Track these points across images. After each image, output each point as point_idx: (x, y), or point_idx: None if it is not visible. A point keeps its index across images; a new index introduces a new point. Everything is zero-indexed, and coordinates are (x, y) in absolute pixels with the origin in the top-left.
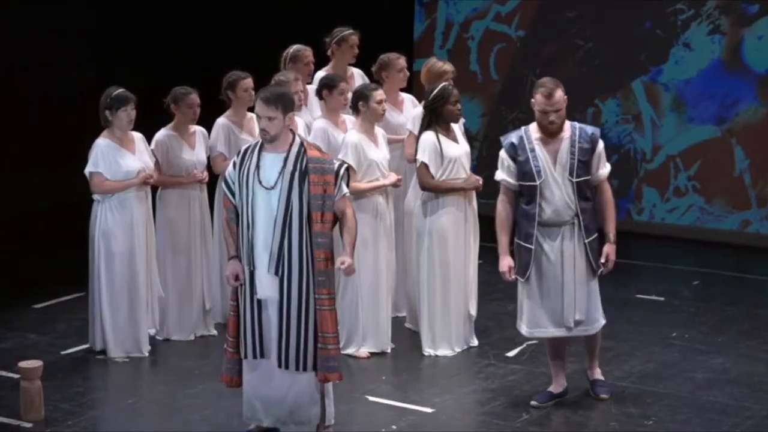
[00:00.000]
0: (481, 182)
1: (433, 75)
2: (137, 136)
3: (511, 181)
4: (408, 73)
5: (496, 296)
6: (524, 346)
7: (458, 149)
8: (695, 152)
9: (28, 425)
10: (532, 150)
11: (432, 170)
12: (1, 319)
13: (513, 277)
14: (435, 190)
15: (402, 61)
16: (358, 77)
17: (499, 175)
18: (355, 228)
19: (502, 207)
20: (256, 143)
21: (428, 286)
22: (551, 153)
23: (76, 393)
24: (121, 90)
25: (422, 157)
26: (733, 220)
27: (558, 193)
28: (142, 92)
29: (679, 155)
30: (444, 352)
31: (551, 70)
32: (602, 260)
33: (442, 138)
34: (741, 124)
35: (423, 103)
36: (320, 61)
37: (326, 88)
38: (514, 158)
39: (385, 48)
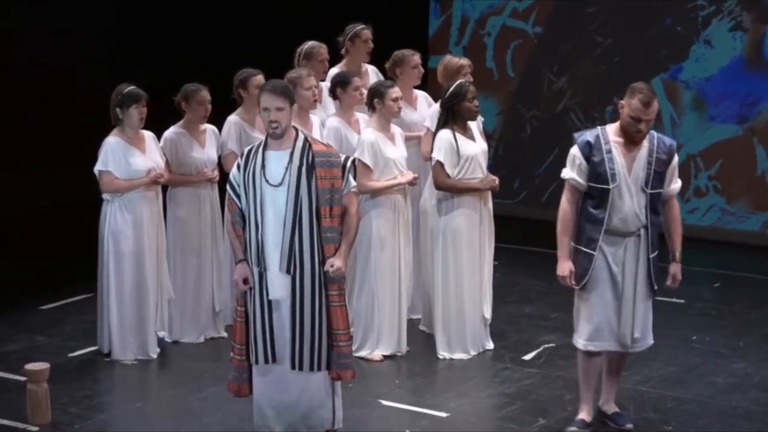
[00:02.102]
0: (497, 182)
1: (450, 71)
2: (148, 134)
3: (581, 181)
4: (422, 70)
5: (512, 299)
6: (541, 349)
7: (475, 148)
8: (716, 151)
9: (35, 429)
10: (609, 152)
11: (447, 169)
12: (8, 320)
13: (572, 282)
14: (450, 190)
15: (416, 58)
16: (372, 74)
17: (568, 173)
18: (355, 228)
19: (568, 207)
20: (259, 144)
21: (443, 287)
22: (628, 159)
23: (83, 396)
24: (132, 87)
25: (438, 155)
26: (755, 220)
27: (629, 202)
28: (146, 91)
29: (699, 154)
30: (459, 355)
31: (569, 68)
32: (668, 282)
33: (458, 136)
34: (763, 122)
35: (440, 101)
36: (334, 60)
37: (340, 85)
38: (588, 158)
39: (399, 45)
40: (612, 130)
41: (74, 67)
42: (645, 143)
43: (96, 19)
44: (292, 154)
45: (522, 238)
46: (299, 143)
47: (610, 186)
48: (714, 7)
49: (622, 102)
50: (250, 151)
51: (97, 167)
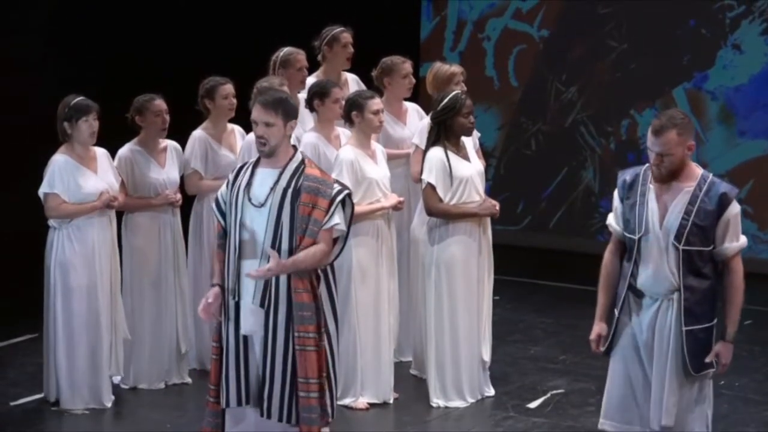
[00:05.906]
0: (497, 207)
1: (440, 80)
2: (100, 152)
3: (617, 228)
4: (414, 80)
5: (515, 338)
6: (548, 395)
7: (470, 168)
8: (747, 171)
9: None
10: (644, 194)
11: (440, 192)
12: None
13: (602, 349)
14: (443, 216)
15: (407, 66)
16: (353, 84)
17: (609, 218)
18: (310, 258)
19: (607, 259)
20: (254, 160)
21: (436, 326)
22: (663, 205)
23: None
24: (81, 98)
25: (428, 177)
26: None
27: (657, 258)
28: (103, 101)
29: (727, 174)
30: (455, 402)
31: (580, 76)
32: (710, 358)
33: (451, 155)
34: None
35: (430, 114)
36: (313, 68)
37: (318, 96)
38: (622, 199)
39: (387, 51)
40: None
41: (9, 73)
42: (690, 187)
43: (31, 15)
44: (281, 173)
45: (526, 270)
46: (293, 164)
47: (636, 236)
48: (744, 7)
49: None
50: (242, 167)
51: (43, 189)
